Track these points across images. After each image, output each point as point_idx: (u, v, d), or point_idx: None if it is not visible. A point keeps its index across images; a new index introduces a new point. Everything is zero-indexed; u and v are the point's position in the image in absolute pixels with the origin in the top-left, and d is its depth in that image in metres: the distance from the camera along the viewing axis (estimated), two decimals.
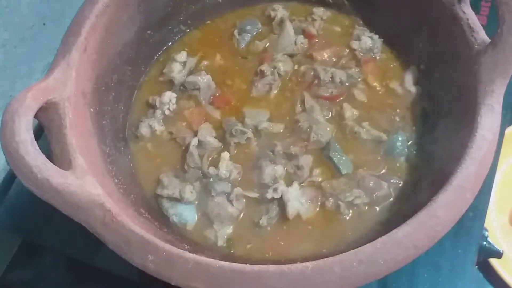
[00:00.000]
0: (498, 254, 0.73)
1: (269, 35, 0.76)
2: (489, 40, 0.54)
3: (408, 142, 0.65)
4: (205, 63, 0.74)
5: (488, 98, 0.52)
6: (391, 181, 0.62)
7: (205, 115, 0.69)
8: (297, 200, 0.61)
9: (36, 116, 0.48)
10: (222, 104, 0.70)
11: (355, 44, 0.73)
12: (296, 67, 0.72)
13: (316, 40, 0.75)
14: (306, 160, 0.64)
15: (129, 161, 0.66)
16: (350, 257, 0.45)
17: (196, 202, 0.63)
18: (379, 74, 0.71)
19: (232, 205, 0.61)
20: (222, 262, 0.45)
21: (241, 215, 0.62)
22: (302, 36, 0.74)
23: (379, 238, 0.46)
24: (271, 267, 0.44)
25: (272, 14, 0.77)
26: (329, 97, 0.69)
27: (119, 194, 0.55)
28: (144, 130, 0.68)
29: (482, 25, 0.58)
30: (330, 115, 0.68)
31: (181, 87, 0.71)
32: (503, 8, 0.50)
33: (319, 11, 0.77)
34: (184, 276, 0.45)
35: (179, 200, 0.62)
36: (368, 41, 0.72)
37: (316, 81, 0.70)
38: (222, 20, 0.79)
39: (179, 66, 0.72)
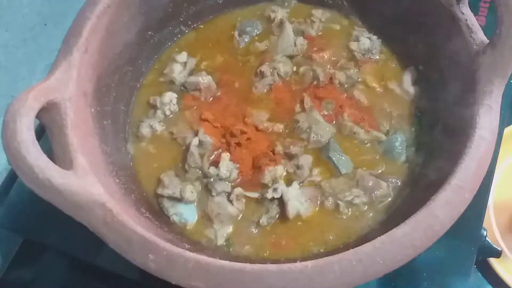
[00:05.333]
0: (497, 254, 0.73)
1: (269, 36, 0.76)
2: (488, 41, 0.54)
3: (407, 142, 0.65)
4: (206, 63, 0.74)
5: (486, 99, 0.53)
6: (390, 180, 0.63)
7: (206, 115, 0.69)
8: (297, 200, 0.61)
9: (37, 116, 0.48)
10: (223, 104, 0.70)
11: (353, 45, 0.73)
12: (295, 68, 0.73)
13: (316, 42, 0.75)
14: (306, 160, 0.64)
15: (130, 161, 0.67)
16: (350, 256, 0.45)
17: (196, 201, 0.63)
18: (378, 74, 0.72)
19: (232, 205, 0.62)
20: (223, 261, 0.45)
21: (241, 215, 0.62)
22: (301, 38, 0.74)
23: (378, 237, 0.46)
24: (271, 266, 0.44)
25: (272, 15, 0.77)
26: (328, 98, 0.69)
27: (120, 194, 0.55)
28: (145, 130, 0.68)
29: (480, 25, 0.58)
30: (330, 115, 0.68)
31: (182, 88, 0.72)
32: (502, 9, 0.50)
33: (318, 12, 0.77)
34: (184, 275, 0.45)
35: (179, 199, 0.62)
36: (366, 41, 0.73)
37: (315, 82, 0.71)
38: (222, 21, 0.79)
39: (179, 66, 0.72)
